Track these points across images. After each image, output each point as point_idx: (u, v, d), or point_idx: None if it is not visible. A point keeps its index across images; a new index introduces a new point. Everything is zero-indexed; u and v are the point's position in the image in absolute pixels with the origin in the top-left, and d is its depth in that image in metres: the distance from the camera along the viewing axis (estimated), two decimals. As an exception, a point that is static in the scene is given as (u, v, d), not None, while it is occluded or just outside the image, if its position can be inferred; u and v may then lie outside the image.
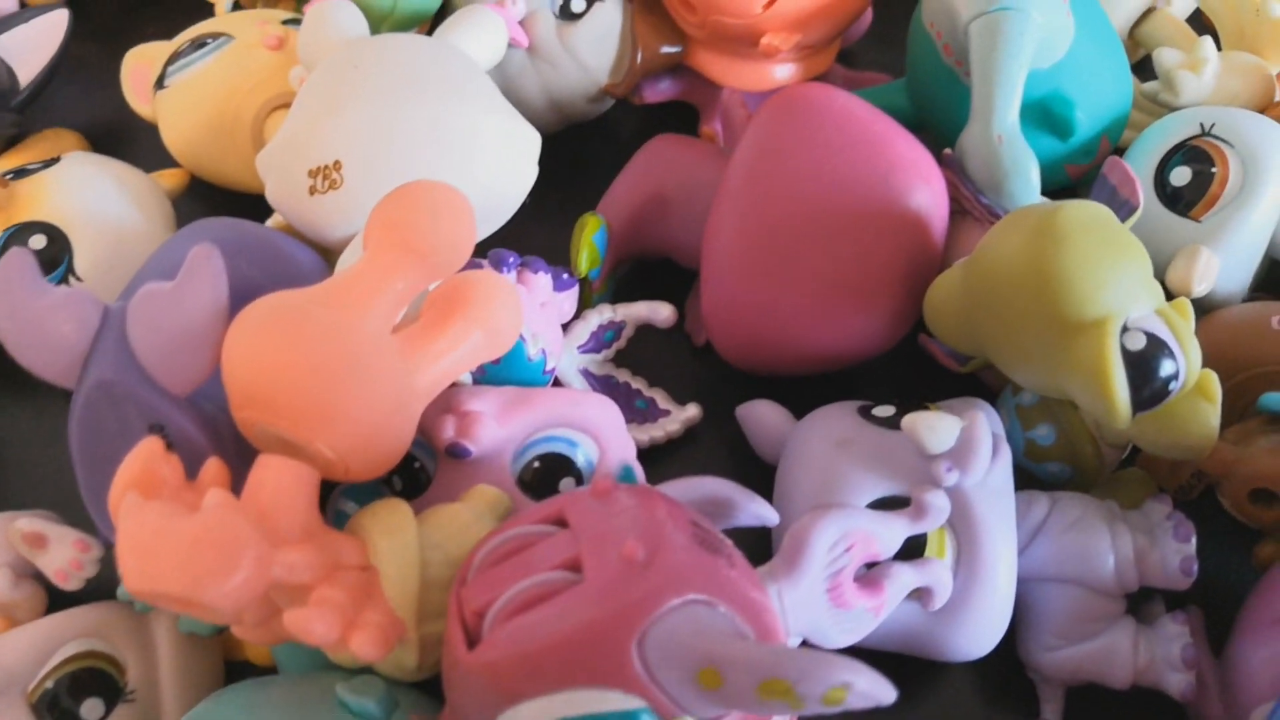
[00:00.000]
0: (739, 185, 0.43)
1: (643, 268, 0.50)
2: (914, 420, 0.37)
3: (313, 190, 0.40)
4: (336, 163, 0.40)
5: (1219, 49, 0.53)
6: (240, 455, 0.35)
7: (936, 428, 0.37)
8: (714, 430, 0.47)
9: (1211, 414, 0.37)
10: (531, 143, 0.43)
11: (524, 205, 0.45)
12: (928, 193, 0.43)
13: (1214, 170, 0.45)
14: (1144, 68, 0.56)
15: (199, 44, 0.48)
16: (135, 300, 0.33)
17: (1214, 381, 0.37)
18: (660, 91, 0.54)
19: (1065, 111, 0.46)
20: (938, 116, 0.50)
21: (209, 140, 0.48)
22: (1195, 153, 0.46)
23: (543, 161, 0.48)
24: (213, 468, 0.32)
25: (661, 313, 0.46)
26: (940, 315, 0.42)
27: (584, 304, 0.47)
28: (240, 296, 0.34)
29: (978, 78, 0.43)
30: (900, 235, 0.42)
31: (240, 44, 0.48)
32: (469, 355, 0.35)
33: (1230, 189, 0.45)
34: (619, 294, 0.50)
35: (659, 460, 0.46)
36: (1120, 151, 0.50)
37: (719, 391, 0.48)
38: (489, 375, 0.40)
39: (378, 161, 0.39)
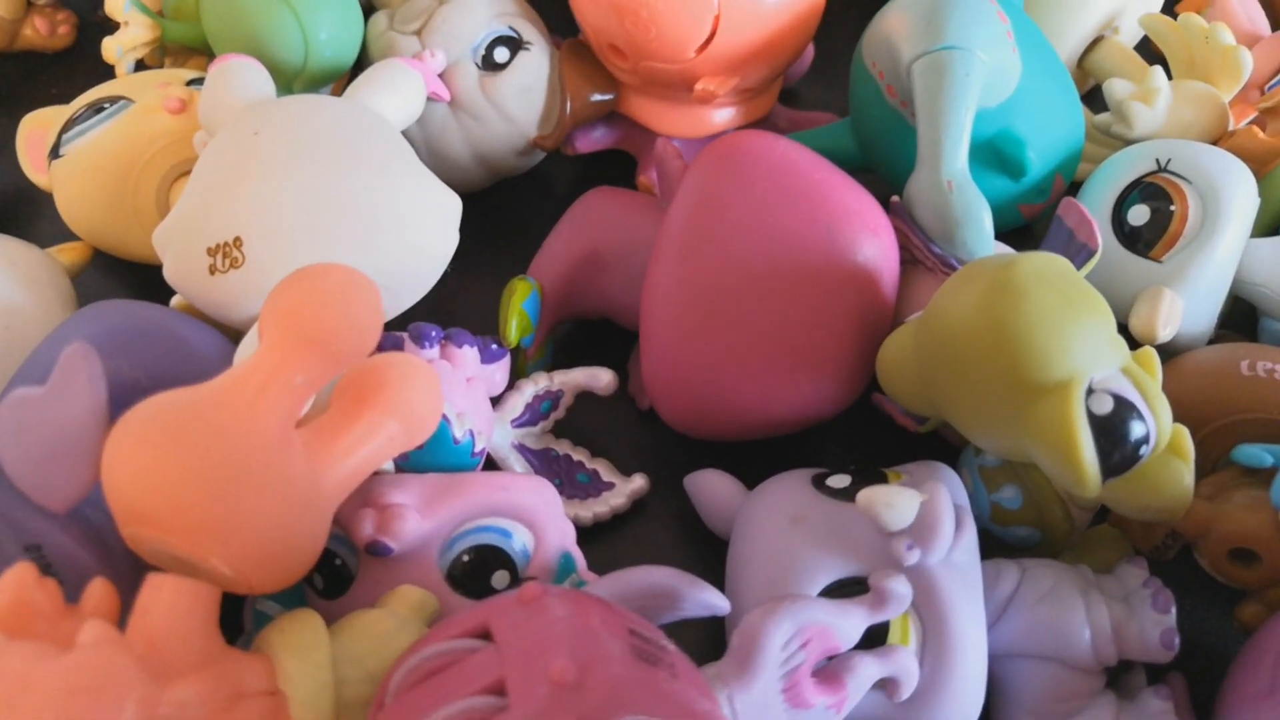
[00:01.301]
0: (675, 243, 0.41)
1: (583, 327, 0.48)
2: (870, 497, 0.34)
3: (213, 269, 0.37)
4: (237, 239, 0.37)
5: (1169, 78, 0.51)
6: (136, 569, 0.31)
7: (894, 504, 0.34)
8: (662, 501, 0.44)
9: (1185, 473, 0.35)
10: (451, 208, 0.40)
11: (453, 267, 0.42)
12: (875, 245, 0.40)
13: (1173, 208, 0.43)
14: (1094, 98, 0.54)
15: (96, 108, 0.45)
16: (2, 409, 0.30)
17: (1186, 438, 0.35)
18: (594, 141, 0.52)
19: (1016, 151, 0.44)
20: (885, 158, 0.48)
21: (109, 212, 0.45)
22: (1152, 190, 0.44)
23: (473, 218, 0.45)
24: (96, 592, 0.29)
25: (601, 379, 0.43)
26: (893, 376, 0.39)
27: (518, 372, 0.44)
28: (127, 396, 0.31)
29: (923, 121, 0.41)
30: (848, 292, 0.40)
31: (140, 108, 0.45)
32: (384, 448, 0.32)
33: (1191, 227, 0.43)
34: (557, 357, 0.47)
35: (604, 536, 0.43)
36: (1075, 187, 0.48)
37: (667, 457, 0.45)
38: (412, 461, 0.37)
39: (281, 237, 0.36)
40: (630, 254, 0.44)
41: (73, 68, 0.58)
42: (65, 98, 0.56)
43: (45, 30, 0.56)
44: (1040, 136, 0.45)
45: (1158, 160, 0.44)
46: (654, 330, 0.41)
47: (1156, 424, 0.34)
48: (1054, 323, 0.34)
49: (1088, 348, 0.33)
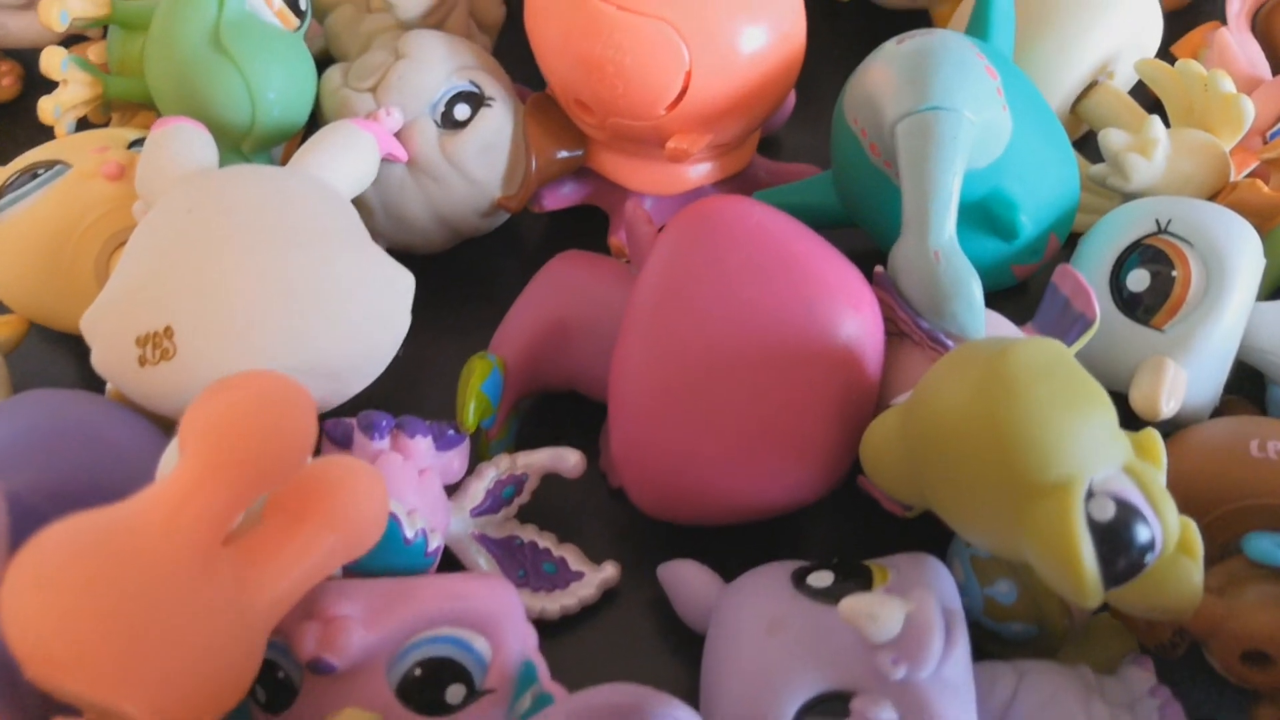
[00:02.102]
0: (644, 318, 0.38)
1: (549, 399, 0.45)
2: (852, 608, 0.31)
3: (143, 360, 0.34)
4: (167, 329, 0.34)
5: (1166, 124, 0.49)
6: (47, 708, 0.29)
7: (878, 615, 0.31)
8: (636, 587, 0.41)
9: (1194, 572, 0.32)
10: (403, 286, 0.37)
11: (414, 332, 0.39)
12: (858, 322, 0.38)
13: (1174, 274, 0.40)
14: (1089, 144, 0.52)
15: (31, 174, 0.42)
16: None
17: (1195, 534, 0.32)
18: (562, 197, 0.49)
19: (1008, 214, 0.41)
20: (869, 216, 0.45)
21: (45, 285, 0.42)
22: (1152, 253, 0.41)
23: (434, 280, 0.43)
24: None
25: (568, 461, 0.40)
26: (879, 465, 0.36)
27: (479, 454, 0.41)
28: (46, 505, 0.29)
29: (909, 185, 0.38)
30: (829, 372, 0.37)
31: (77, 174, 0.42)
32: (324, 563, 0.30)
33: (1194, 294, 0.40)
34: (522, 433, 0.44)
35: (572, 629, 0.40)
36: (1072, 240, 0.45)
37: (640, 540, 0.42)
38: (360, 564, 0.34)
39: (215, 326, 0.34)
40: (599, 325, 0.41)
41: (16, 120, 0.55)
42: (5, 154, 0.53)
43: (-13, 83, 0.54)
44: (1033, 196, 0.42)
45: (1157, 221, 0.42)
46: (622, 411, 0.38)
47: (1163, 528, 0.31)
48: (1051, 419, 0.31)
49: (1087, 446, 0.31)
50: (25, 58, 0.56)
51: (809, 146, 0.54)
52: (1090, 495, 0.31)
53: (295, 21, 0.45)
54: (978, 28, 0.45)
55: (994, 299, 0.41)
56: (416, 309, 0.48)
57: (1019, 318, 0.41)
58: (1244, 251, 0.40)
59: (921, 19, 0.58)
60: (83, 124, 0.49)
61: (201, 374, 0.34)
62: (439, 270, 0.49)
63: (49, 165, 0.43)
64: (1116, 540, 0.30)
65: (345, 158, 0.40)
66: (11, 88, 0.55)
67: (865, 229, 0.46)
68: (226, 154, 0.45)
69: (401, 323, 0.37)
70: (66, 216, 0.41)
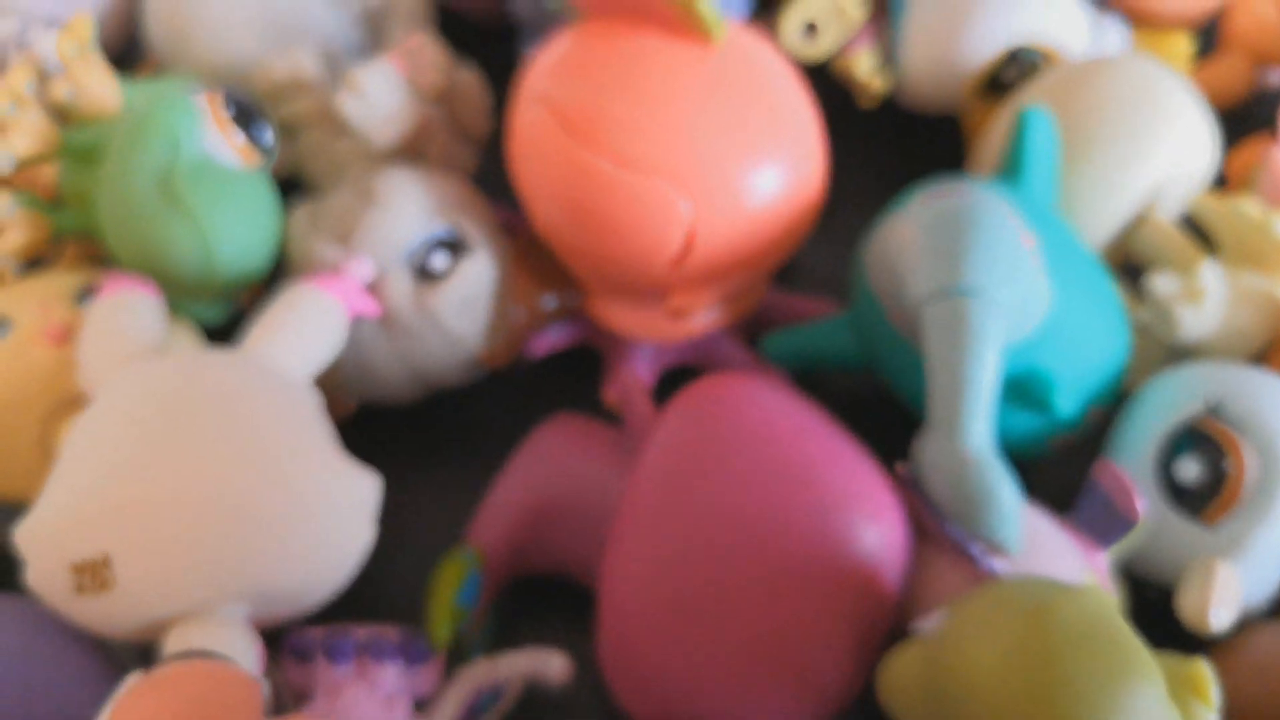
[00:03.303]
0: (642, 517, 0.34)
1: (532, 585, 0.41)
2: None
3: (80, 588, 0.31)
4: (105, 558, 0.30)
5: (1216, 252, 0.45)
6: None
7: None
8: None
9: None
10: (366, 494, 0.33)
11: (389, 495, 0.36)
12: (877, 532, 0.34)
13: (1226, 465, 0.36)
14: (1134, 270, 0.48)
15: (-29, 332, 0.39)
16: None
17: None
18: (552, 341, 0.45)
19: (1045, 394, 0.37)
20: (889, 374, 0.41)
21: (-15, 457, 0.39)
22: (1203, 440, 0.37)
23: (413, 433, 0.41)
24: None
25: (552, 666, 0.36)
26: (898, 704, 0.32)
27: (455, 650, 0.37)
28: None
29: (936, 379, 0.34)
30: (842, 588, 0.33)
31: (19, 337, 0.38)
32: None
33: (1248, 488, 0.36)
34: (502, 629, 0.40)
35: None
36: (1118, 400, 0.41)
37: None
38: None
39: (156, 556, 0.30)
40: (591, 508, 0.38)
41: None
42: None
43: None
44: (1074, 369, 0.38)
45: (1209, 403, 0.37)
46: (614, 617, 0.35)
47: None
48: (1093, 694, 0.27)
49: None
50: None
51: (826, 269, 0.49)
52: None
53: (259, 158, 0.41)
54: (1012, 169, 0.41)
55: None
56: (389, 463, 0.44)
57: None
58: (1307, 436, 0.36)
59: (950, 125, 0.54)
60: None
61: (142, 605, 0.31)
62: (414, 420, 0.45)
63: (-10, 321, 0.39)
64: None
65: (307, 334, 0.36)
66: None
67: (885, 381, 0.42)
68: (184, 303, 0.42)
69: (364, 536, 0.33)
70: (9, 386, 0.38)
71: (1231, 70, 0.56)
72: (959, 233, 0.35)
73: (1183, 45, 0.52)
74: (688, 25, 0.37)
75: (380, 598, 0.40)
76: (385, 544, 0.42)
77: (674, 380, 0.46)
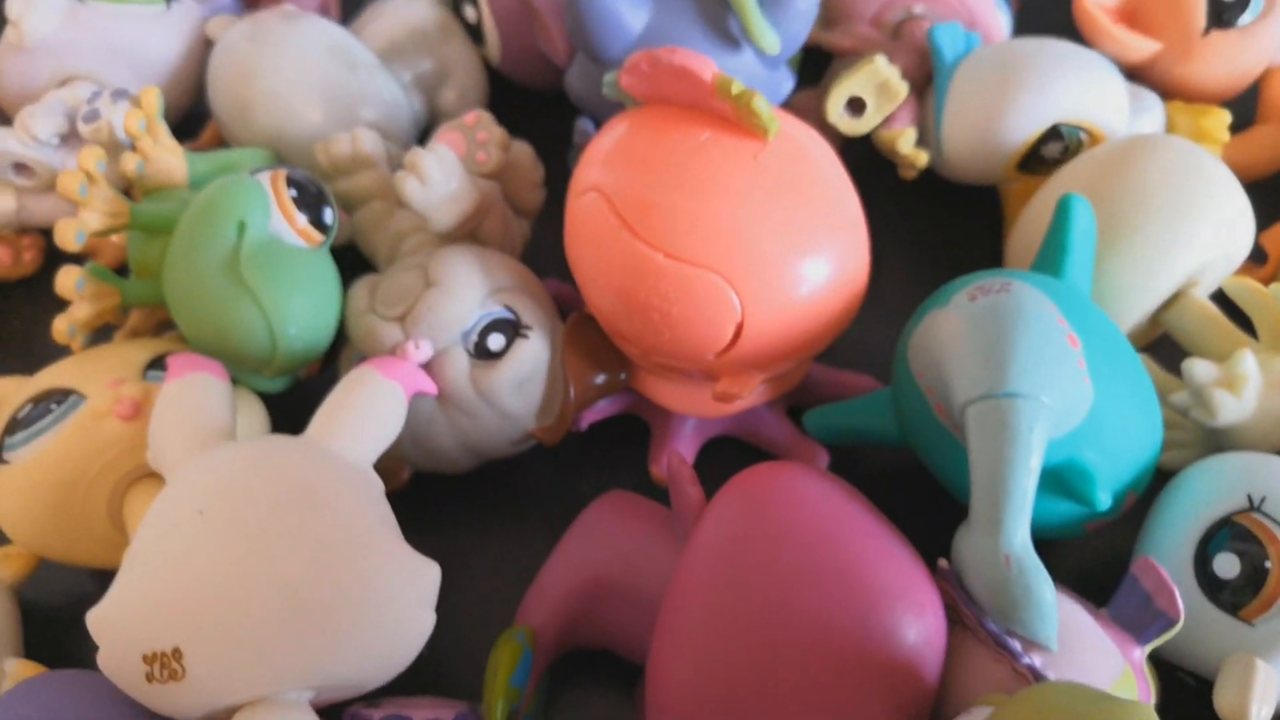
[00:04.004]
0: (688, 611, 0.35)
1: (579, 658, 0.42)
2: None
3: (150, 678, 0.32)
4: (176, 650, 0.31)
5: (1255, 335, 0.45)
6: None
7: None
8: None
9: None
10: (427, 582, 0.35)
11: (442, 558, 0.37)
12: (919, 629, 0.34)
13: (1268, 564, 0.37)
14: (1163, 347, 0.48)
15: (46, 405, 0.40)
16: None
17: None
18: (600, 410, 0.46)
19: (1084, 487, 0.38)
20: (928, 457, 0.42)
21: (56, 526, 0.40)
22: (1243, 534, 0.38)
23: (464, 496, 0.43)
24: None
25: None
26: (940, 801, 0.34)
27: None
28: None
29: (979, 479, 0.35)
30: (887, 688, 0.34)
31: (89, 413, 0.39)
32: None
33: (1290, 588, 0.37)
34: (551, 701, 0.42)
35: None
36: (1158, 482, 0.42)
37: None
38: None
39: (226, 652, 0.31)
40: (639, 589, 0.39)
41: (38, 295, 0.53)
42: (29, 332, 0.52)
43: (8, 259, 0.52)
44: (1112, 462, 0.39)
45: (1250, 497, 0.38)
46: (659, 712, 0.35)
47: None
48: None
49: None
50: (46, 231, 0.54)
51: (866, 338, 0.50)
52: None
53: (319, 238, 0.42)
54: (1052, 261, 0.42)
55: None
56: (441, 530, 0.46)
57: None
58: (1349, 538, 0.37)
59: (990, 195, 0.54)
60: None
61: (211, 695, 0.32)
62: (465, 485, 0.46)
63: (63, 395, 0.40)
64: None
65: (370, 421, 0.37)
66: (34, 261, 0.53)
67: (924, 462, 0.43)
68: (247, 377, 0.43)
69: (425, 624, 0.34)
70: (79, 461, 0.39)
71: (1271, 140, 0.57)
72: (1005, 334, 0.36)
73: (1220, 119, 0.53)
74: (743, 122, 0.38)
75: (430, 664, 0.41)
76: (440, 612, 0.43)
77: (717, 447, 0.48)
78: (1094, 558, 0.46)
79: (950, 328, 0.38)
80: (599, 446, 0.48)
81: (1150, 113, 0.53)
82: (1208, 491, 0.39)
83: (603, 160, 0.40)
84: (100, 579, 0.44)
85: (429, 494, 0.46)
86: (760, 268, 0.38)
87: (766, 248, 0.38)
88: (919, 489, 0.44)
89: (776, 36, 0.45)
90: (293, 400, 0.45)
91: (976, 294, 0.38)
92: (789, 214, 0.38)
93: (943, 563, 0.36)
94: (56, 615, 0.44)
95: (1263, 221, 0.53)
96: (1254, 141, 0.57)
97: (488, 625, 0.43)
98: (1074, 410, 0.37)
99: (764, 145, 0.38)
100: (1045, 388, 0.35)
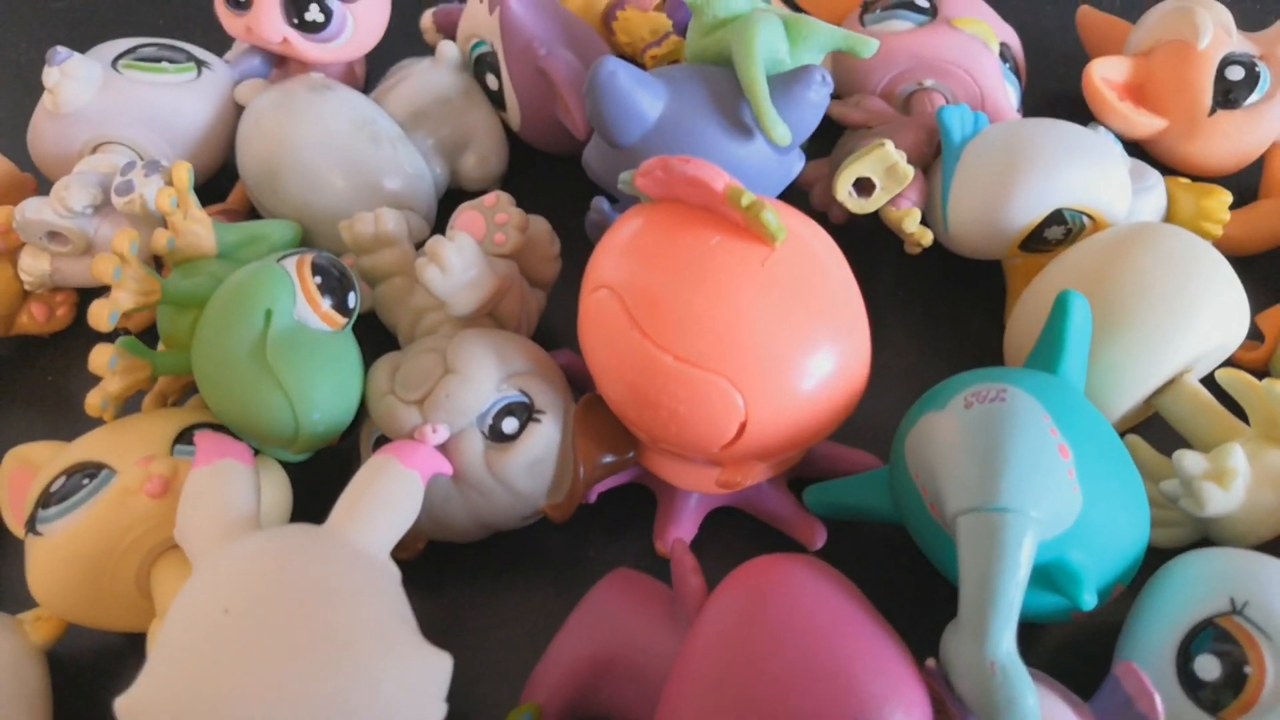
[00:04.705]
0: (686, 705, 0.37)
1: None
2: None
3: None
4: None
5: (1246, 422, 0.47)
6: None
7: None
8: None
9: None
10: (439, 673, 0.36)
11: (454, 626, 0.38)
12: (906, 724, 0.36)
13: (1247, 669, 0.38)
14: (1155, 425, 0.50)
15: (78, 480, 0.42)
16: None
17: None
18: (609, 481, 0.48)
19: (1071, 588, 0.39)
20: (920, 541, 0.44)
21: (86, 596, 0.42)
22: (1224, 637, 0.39)
23: (473, 564, 0.44)
24: None
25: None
26: None
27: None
28: None
29: (968, 587, 0.37)
30: (875, 786, 0.36)
31: (119, 490, 0.41)
32: None
33: (1268, 695, 0.38)
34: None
35: None
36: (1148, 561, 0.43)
37: None
38: None
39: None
40: (642, 669, 0.40)
41: (70, 348, 0.55)
42: (61, 385, 0.54)
43: (42, 316, 0.54)
44: (1100, 559, 0.40)
45: (1233, 601, 0.39)
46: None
47: None
48: None
49: None
50: (78, 289, 0.56)
51: (871, 413, 0.52)
52: None
53: (342, 321, 0.44)
54: (1048, 357, 0.43)
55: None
56: (453, 590, 0.48)
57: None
58: (1329, 643, 0.38)
59: (994, 268, 0.56)
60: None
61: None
62: (476, 549, 0.48)
63: (95, 469, 0.42)
64: None
65: (388, 510, 0.39)
66: (66, 316, 0.55)
67: (918, 543, 0.44)
68: (271, 450, 0.45)
69: (437, 715, 0.36)
70: (109, 536, 0.41)
71: (1274, 216, 0.58)
72: (998, 447, 0.37)
73: (1222, 200, 0.54)
74: (751, 230, 0.39)
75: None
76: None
77: (721, 517, 0.49)
78: (1082, 633, 0.47)
79: (945, 434, 0.39)
80: (607, 514, 0.49)
81: (1153, 191, 0.54)
82: (1192, 590, 0.40)
83: (616, 257, 0.41)
84: (129, 639, 0.46)
85: (442, 558, 0.48)
86: (765, 370, 0.39)
87: (771, 350, 0.39)
88: (914, 564, 0.46)
89: (787, 128, 0.46)
90: (314, 466, 0.47)
91: (972, 400, 0.40)
92: (794, 317, 0.40)
93: (931, 662, 0.38)
94: (85, 674, 0.46)
95: (1262, 300, 0.55)
96: (1258, 216, 0.58)
97: (495, 689, 0.45)
98: (1063, 517, 0.38)
99: (772, 250, 0.40)
100: (1035, 502, 0.37)
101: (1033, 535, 0.37)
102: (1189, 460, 0.44)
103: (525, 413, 0.43)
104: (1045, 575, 0.40)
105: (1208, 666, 0.39)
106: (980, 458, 0.38)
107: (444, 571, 0.48)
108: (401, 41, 0.63)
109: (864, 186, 0.52)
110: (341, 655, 0.34)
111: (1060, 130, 0.52)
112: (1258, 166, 0.58)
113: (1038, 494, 0.37)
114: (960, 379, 0.42)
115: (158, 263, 0.51)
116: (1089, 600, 0.39)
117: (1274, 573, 0.40)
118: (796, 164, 0.50)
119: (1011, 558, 0.36)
